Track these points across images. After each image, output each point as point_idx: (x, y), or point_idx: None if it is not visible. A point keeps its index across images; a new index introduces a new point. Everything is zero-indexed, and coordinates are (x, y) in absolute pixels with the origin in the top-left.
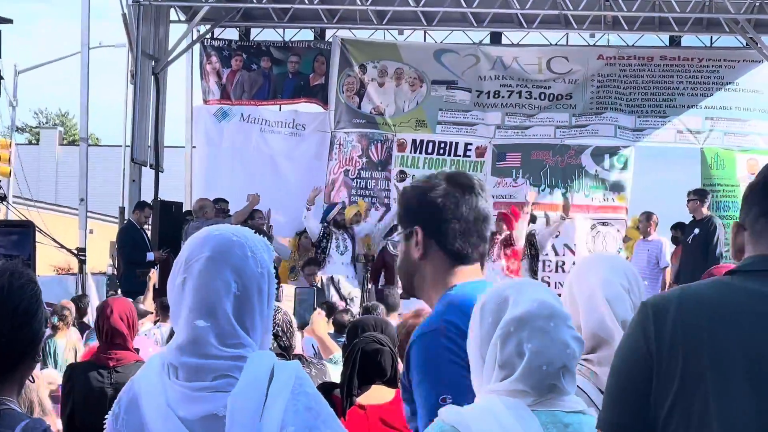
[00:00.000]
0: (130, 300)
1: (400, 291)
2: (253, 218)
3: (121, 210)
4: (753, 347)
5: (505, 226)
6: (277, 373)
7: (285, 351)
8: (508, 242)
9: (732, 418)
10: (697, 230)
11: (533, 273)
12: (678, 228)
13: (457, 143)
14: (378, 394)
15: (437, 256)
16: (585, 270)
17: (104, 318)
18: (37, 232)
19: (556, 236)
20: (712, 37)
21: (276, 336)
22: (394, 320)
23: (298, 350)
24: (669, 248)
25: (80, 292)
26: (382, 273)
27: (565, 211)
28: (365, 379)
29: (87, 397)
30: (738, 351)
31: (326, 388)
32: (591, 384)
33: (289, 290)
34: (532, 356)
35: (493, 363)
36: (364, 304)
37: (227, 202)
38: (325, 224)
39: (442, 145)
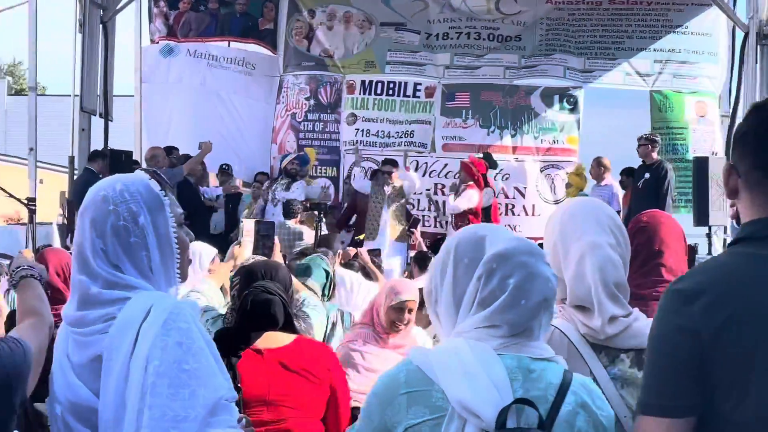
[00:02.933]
0: (67, 251)
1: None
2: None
3: (71, 159)
4: None
5: (465, 175)
6: (153, 311)
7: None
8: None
9: None
10: (647, 175)
11: None
12: (626, 173)
13: (406, 83)
14: (274, 339)
15: None
16: (570, 228)
17: None
18: None
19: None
20: None
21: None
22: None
23: None
24: (620, 193)
25: (30, 243)
26: (354, 218)
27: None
28: (257, 328)
29: None
30: None
31: (220, 335)
32: (574, 328)
33: (249, 225)
34: (514, 290)
35: (471, 301)
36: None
37: (178, 150)
38: (267, 176)
39: (391, 85)
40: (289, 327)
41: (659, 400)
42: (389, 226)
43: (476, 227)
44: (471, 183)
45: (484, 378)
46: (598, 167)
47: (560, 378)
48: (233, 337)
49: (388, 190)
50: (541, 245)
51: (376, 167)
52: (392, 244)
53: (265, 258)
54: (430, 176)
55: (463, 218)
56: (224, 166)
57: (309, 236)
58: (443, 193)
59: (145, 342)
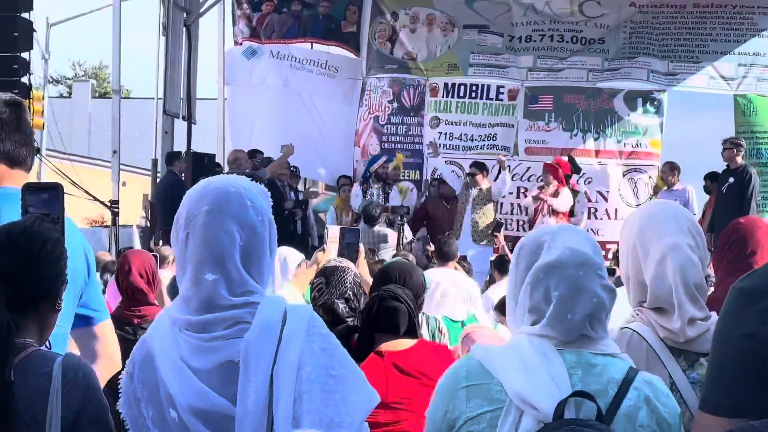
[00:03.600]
0: (149, 253)
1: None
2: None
3: (154, 162)
4: None
5: (551, 178)
6: (290, 315)
7: (354, 312)
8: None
9: None
10: (731, 179)
11: None
12: (710, 178)
13: (489, 86)
14: (396, 343)
15: None
16: (649, 230)
17: (123, 275)
18: (70, 185)
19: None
20: None
21: (347, 299)
22: (449, 269)
23: None
24: (696, 197)
25: (114, 244)
26: (424, 224)
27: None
28: (381, 330)
29: None
30: None
31: (344, 334)
32: (652, 331)
33: (334, 231)
34: (559, 304)
35: (524, 307)
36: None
37: (262, 153)
38: (363, 179)
39: (474, 88)
40: (411, 333)
41: (718, 399)
42: (472, 229)
43: (542, 230)
44: (558, 184)
45: (542, 371)
46: (670, 172)
47: (623, 373)
48: (358, 339)
49: (473, 192)
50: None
51: (460, 170)
52: (476, 247)
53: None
54: (513, 179)
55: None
56: (292, 169)
57: (392, 238)
58: (525, 197)
59: (291, 348)
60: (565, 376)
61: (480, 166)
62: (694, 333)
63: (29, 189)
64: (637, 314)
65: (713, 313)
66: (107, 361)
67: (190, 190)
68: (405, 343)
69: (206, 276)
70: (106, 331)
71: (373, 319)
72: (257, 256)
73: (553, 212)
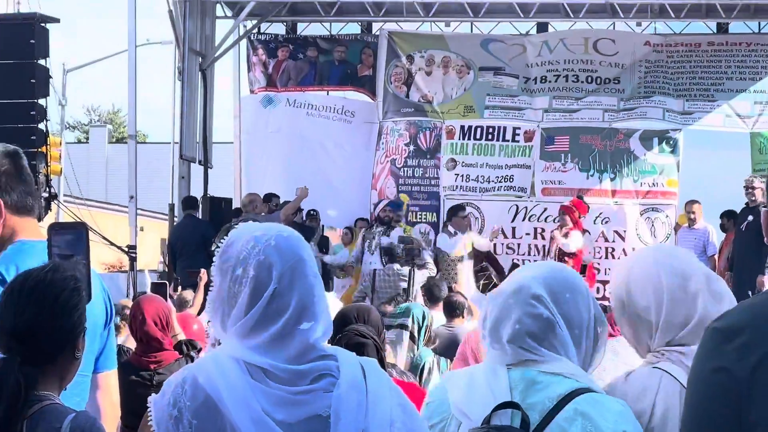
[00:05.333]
0: (161, 298)
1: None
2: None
3: (171, 207)
4: None
5: (568, 219)
6: (368, 369)
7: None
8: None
9: None
10: (751, 217)
11: None
12: (727, 216)
13: (505, 128)
14: None
15: None
16: (654, 270)
17: (137, 324)
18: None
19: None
20: (760, 23)
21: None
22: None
23: None
24: (716, 236)
25: (132, 289)
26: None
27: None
28: None
29: (130, 401)
30: None
31: None
32: (684, 372)
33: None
34: (491, 329)
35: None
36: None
37: (278, 197)
38: (367, 222)
39: (491, 130)
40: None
41: None
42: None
43: (525, 267)
44: (572, 226)
45: (483, 387)
46: (690, 210)
47: (567, 390)
48: None
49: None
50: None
51: (478, 212)
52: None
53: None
54: (529, 220)
55: (566, 261)
56: (312, 212)
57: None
58: (543, 237)
59: (380, 403)
60: (506, 390)
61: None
62: None
63: (54, 229)
64: (662, 355)
65: None
66: (109, 410)
67: (240, 235)
68: None
69: (302, 326)
70: (110, 382)
71: None
72: (320, 303)
73: (563, 254)
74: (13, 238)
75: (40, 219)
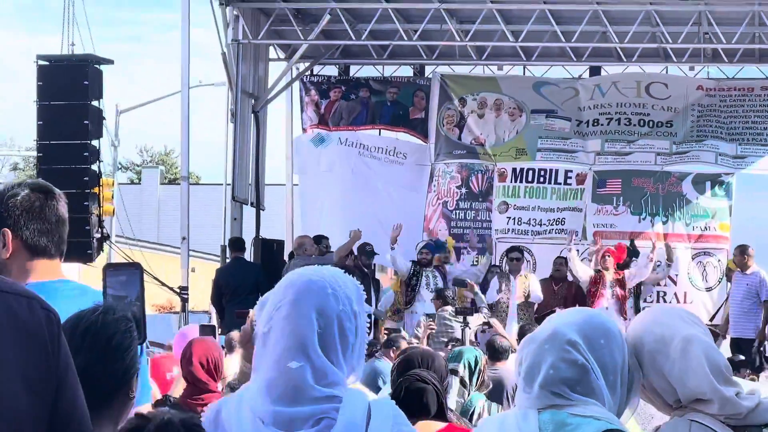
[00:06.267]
0: (213, 339)
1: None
2: (354, 254)
3: (223, 248)
4: None
5: (612, 261)
6: (374, 413)
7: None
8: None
9: None
10: None
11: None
12: None
13: (557, 170)
14: (426, 427)
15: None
16: (659, 331)
17: (185, 364)
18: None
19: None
20: None
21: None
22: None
23: None
24: None
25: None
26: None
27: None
28: (410, 415)
29: None
30: None
31: None
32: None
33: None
34: (524, 375)
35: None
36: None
37: (327, 239)
38: (414, 261)
39: (542, 173)
40: (440, 415)
41: None
42: None
43: (559, 314)
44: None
45: (514, 430)
46: (742, 255)
47: (596, 430)
48: None
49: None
50: None
51: (530, 255)
52: None
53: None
54: (582, 262)
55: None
56: (367, 247)
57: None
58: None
59: None
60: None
61: (521, 251)
62: (751, 403)
63: (109, 270)
64: (689, 408)
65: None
66: None
67: (276, 286)
68: (434, 426)
69: (290, 364)
70: None
71: (401, 403)
72: (334, 345)
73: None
74: (25, 280)
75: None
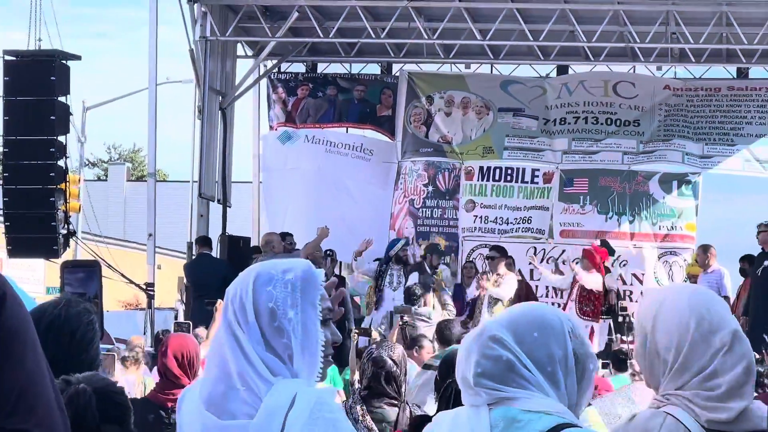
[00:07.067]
0: (193, 338)
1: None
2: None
3: (189, 245)
4: None
5: (588, 262)
6: (298, 400)
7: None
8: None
9: None
10: (766, 262)
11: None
12: (746, 260)
13: (524, 169)
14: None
15: None
16: (669, 314)
17: (159, 357)
18: (105, 268)
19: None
20: None
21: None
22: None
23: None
24: (730, 279)
25: (149, 327)
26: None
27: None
28: None
29: None
30: None
31: (422, 421)
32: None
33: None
34: (459, 373)
35: None
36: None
37: (292, 236)
38: (384, 260)
39: (510, 171)
40: None
41: None
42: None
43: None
44: (593, 270)
45: (465, 427)
46: (704, 254)
47: (548, 427)
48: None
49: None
50: None
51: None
52: None
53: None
54: (548, 262)
55: (587, 301)
56: (329, 252)
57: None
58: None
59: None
60: (487, 430)
61: (501, 251)
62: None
63: (67, 267)
64: (668, 399)
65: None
66: None
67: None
68: None
69: (225, 354)
70: None
71: (453, 405)
72: (274, 338)
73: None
74: None
75: (57, 255)
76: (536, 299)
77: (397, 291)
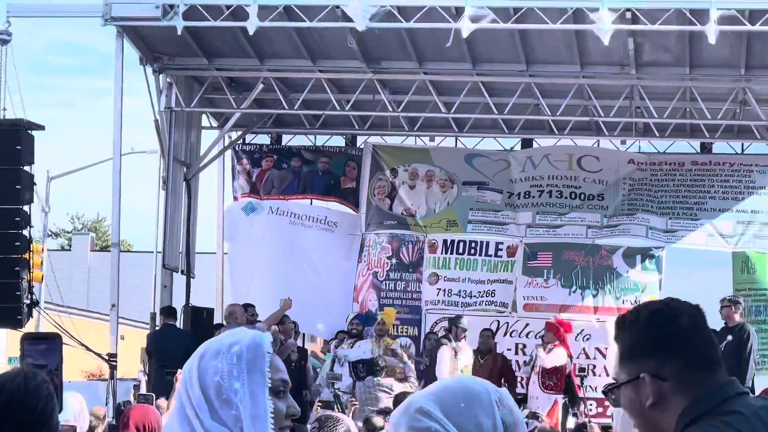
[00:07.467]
0: (154, 408)
1: None
2: (284, 323)
3: (152, 316)
4: None
5: (552, 335)
6: None
7: None
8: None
9: None
10: (730, 337)
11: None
12: None
13: (488, 242)
14: None
15: None
16: None
17: (121, 428)
18: (68, 338)
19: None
20: (743, 144)
21: None
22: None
23: None
24: None
25: (111, 398)
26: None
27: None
28: None
29: None
30: None
31: None
32: None
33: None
34: None
35: None
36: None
37: (254, 307)
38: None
39: (473, 245)
40: None
41: None
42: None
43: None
44: (557, 342)
45: None
46: None
47: None
48: None
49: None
50: None
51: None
52: None
53: None
54: (510, 336)
55: (551, 376)
56: (292, 324)
57: (397, 388)
58: (524, 353)
59: None
60: None
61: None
62: None
63: (27, 339)
64: None
65: None
66: None
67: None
68: None
69: (177, 426)
70: None
71: None
72: (221, 411)
73: (545, 371)
74: None
75: (21, 325)
76: (513, 374)
77: (344, 366)
